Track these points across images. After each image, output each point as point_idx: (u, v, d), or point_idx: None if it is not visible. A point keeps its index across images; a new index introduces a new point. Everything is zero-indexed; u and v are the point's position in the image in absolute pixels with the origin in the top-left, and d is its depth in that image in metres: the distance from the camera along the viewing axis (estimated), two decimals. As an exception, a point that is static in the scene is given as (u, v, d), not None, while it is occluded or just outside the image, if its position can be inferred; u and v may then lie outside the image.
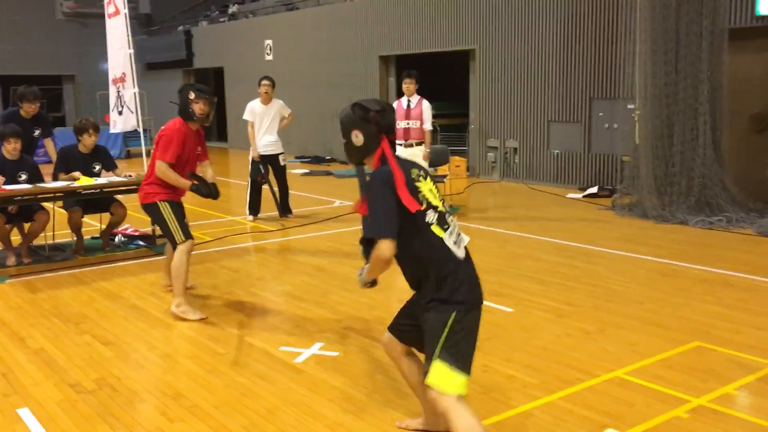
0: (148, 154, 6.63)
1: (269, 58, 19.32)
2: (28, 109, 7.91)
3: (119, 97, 8.63)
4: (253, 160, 9.64)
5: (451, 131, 14.90)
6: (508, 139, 13.32)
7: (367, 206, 3.10)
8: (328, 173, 14.92)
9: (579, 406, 3.93)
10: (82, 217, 7.67)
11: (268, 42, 19.33)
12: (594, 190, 11.33)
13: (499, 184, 13.19)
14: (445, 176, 10.91)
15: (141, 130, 8.39)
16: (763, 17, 9.41)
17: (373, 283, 3.33)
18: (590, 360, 4.59)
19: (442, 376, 3.01)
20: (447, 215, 3.18)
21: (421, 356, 3.32)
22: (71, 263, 7.42)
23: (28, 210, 7.30)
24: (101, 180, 7.53)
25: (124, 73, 8.44)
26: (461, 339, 3.05)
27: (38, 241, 7.78)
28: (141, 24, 24.63)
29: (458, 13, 13.85)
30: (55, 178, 7.48)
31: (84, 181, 7.34)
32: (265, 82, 9.61)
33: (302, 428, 3.75)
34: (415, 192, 3.08)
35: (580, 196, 11.32)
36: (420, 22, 14.73)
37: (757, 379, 4.28)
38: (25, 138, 7.42)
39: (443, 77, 15.46)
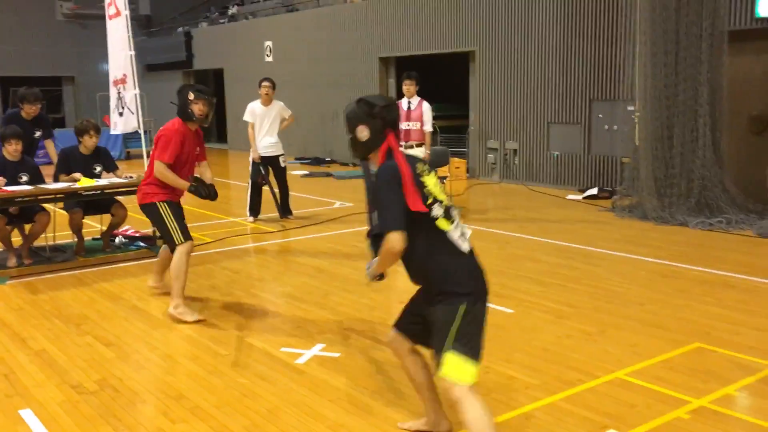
0: (148, 155, 6.62)
1: (269, 59, 19.31)
2: (29, 111, 7.91)
3: (120, 98, 8.63)
4: (253, 162, 9.64)
5: (451, 133, 14.89)
6: (508, 140, 13.33)
7: (375, 200, 3.12)
8: (328, 174, 14.93)
9: (580, 407, 3.94)
10: (83, 218, 7.67)
11: (268, 43, 19.33)
12: (594, 191, 11.33)
13: (499, 185, 13.20)
14: (445, 178, 10.89)
15: (141, 131, 8.41)
16: (763, 19, 9.42)
17: (381, 276, 3.35)
18: (591, 361, 4.60)
19: (455, 367, 3.04)
20: (452, 209, 3.21)
21: (427, 353, 3.33)
22: (72, 264, 7.42)
23: (28, 211, 7.30)
24: (102, 181, 7.54)
25: (125, 75, 8.44)
26: (471, 329, 3.08)
27: (39, 243, 7.78)
28: (141, 25, 24.64)
29: (458, 14, 13.86)
30: (56, 180, 7.48)
31: (85, 182, 7.35)
32: (265, 83, 9.61)
33: (303, 429, 3.76)
34: (421, 187, 3.11)
35: (580, 197, 11.32)
36: (420, 24, 14.74)
37: (758, 380, 4.29)
38: (26, 139, 7.43)
39: (443, 79, 15.45)
